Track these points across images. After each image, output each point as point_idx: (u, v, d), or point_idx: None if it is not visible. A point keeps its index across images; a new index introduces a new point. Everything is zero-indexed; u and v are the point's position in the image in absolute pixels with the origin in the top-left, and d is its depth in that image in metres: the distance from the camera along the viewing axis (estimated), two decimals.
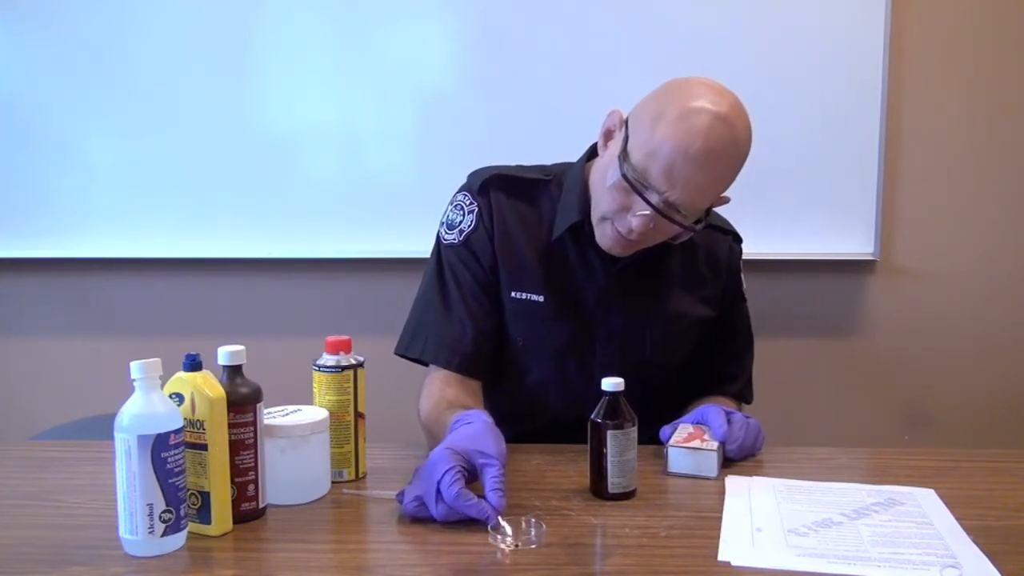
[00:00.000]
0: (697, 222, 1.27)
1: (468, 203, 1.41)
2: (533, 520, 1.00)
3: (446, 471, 1.01)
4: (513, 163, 1.50)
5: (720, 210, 1.50)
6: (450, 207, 1.43)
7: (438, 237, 1.43)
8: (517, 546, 0.97)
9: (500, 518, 0.99)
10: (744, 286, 1.52)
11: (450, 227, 1.41)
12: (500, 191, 1.40)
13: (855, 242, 2.10)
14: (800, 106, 2.04)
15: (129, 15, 2.06)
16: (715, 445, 1.22)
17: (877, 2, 2.01)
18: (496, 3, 2.04)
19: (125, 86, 2.08)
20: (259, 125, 2.09)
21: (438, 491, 1.01)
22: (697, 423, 1.29)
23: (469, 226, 1.39)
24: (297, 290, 2.18)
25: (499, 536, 0.97)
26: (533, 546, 0.97)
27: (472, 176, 1.44)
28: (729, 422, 1.26)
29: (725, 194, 1.28)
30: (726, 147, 1.19)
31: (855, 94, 2.04)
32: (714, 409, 1.28)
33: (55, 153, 2.10)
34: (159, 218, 2.11)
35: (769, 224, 2.06)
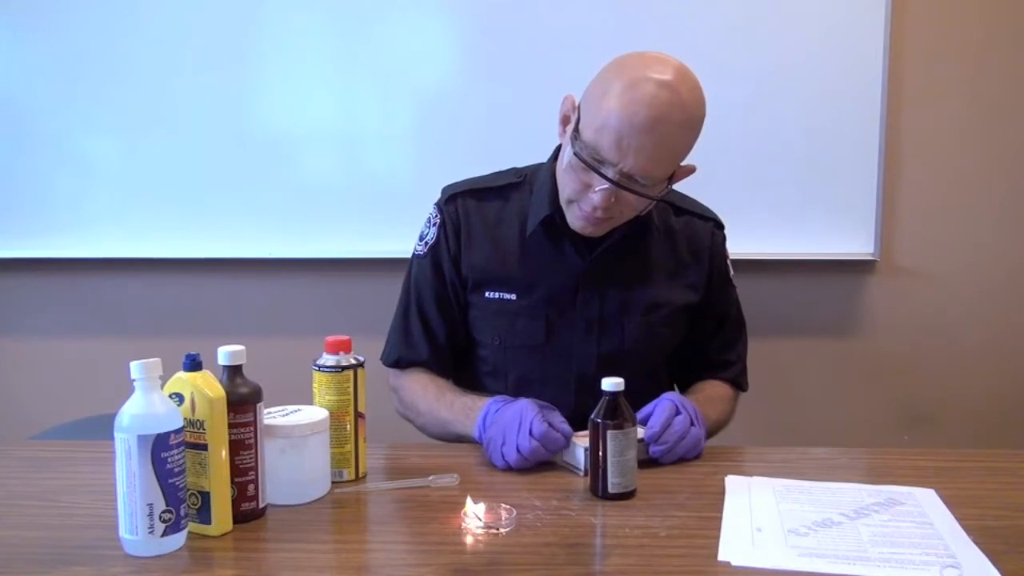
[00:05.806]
0: (663, 191, 1.29)
1: (434, 216, 1.48)
2: (505, 506, 1.04)
3: (535, 415, 1.17)
4: (513, 164, 1.52)
5: (718, 207, 1.50)
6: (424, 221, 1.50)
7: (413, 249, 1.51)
8: (493, 530, 1.01)
9: (473, 501, 1.05)
10: (732, 272, 1.52)
11: (419, 239, 1.50)
12: (470, 198, 1.46)
13: (855, 242, 2.10)
14: (800, 106, 2.04)
15: (129, 15, 2.05)
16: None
17: (877, 3, 2.01)
18: (496, 3, 2.04)
19: (125, 86, 2.07)
20: (259, 125, 2.09)
21: (527, 430, 1.17)
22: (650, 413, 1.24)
23: (432, 238, 1.47)
24: (297, 290, 2.18)
25: (472, 521, 1.02)
26: (505, 531, 1.00)
27: (443, 190, 1.50)
28: (671, 424, 1.21)
29: (690, 163, 1.30)
30: (671, 112, 1.20)
31: (855, 94, 2.03)
32: (666, 403, 1.23)
33: (54, 153, 2.10)
34: (159, 218, 2.11)
35: (769, 224, 2.05)
